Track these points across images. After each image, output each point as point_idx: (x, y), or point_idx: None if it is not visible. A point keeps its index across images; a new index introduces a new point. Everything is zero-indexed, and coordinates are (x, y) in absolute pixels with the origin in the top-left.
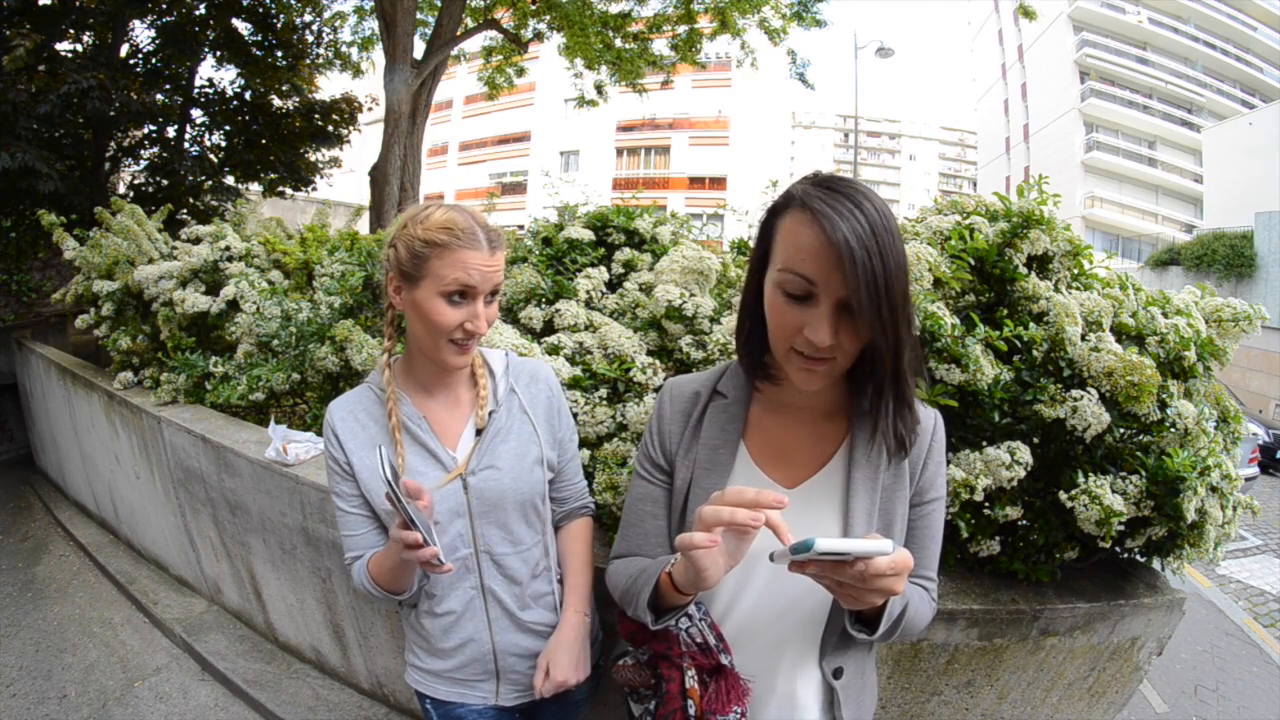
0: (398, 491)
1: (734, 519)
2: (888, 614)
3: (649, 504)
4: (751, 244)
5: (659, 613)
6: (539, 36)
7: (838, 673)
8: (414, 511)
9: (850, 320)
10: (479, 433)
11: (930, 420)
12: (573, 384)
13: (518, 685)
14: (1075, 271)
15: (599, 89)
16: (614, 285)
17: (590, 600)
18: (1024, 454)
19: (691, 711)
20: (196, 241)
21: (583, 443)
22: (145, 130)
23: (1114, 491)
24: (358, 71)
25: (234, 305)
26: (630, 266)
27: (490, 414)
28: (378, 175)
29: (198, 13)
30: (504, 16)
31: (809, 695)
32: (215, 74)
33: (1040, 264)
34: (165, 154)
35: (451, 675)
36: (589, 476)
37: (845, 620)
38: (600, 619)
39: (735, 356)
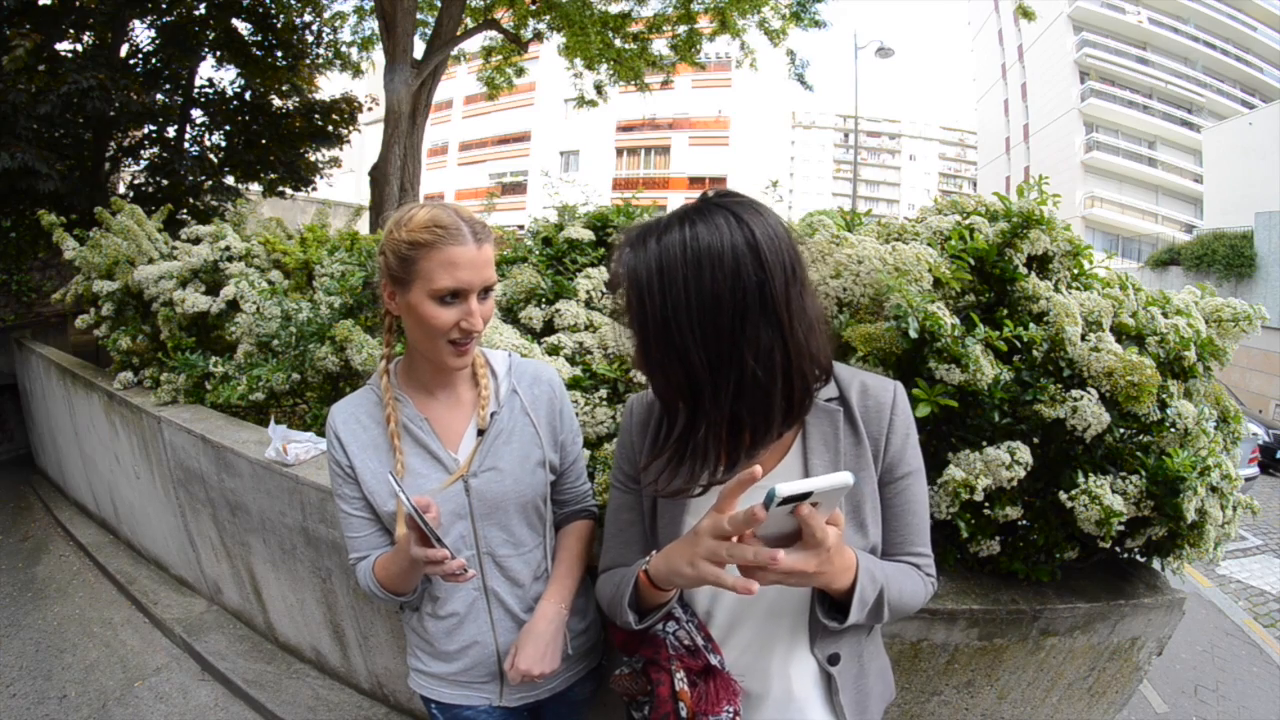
0: (421, 515)
1: (744, 559)
2: (859, 598)
3: (627, 512)
4: None
5: (642, 613)
6: (539, 36)
7: (833, 659)
8: (437, 530)
9: None
10: (480, 434)
11: (888, 394)
12: (573, 384)
13: (521, 685)
14: (1075, 271)
15: (599, 89)
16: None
17: (571, 594)
18: (1024, 454)
19: (683, 714)
20: (196, 241)
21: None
22: (145, 130)
23: (1114, 491)
24: (358, 71)
25: (234, 305)
26: None
27: (492, 415)
28: (378, 175)
29: (198, 13)
30: (504, 16)
31: (805, 686)
32: (215, 74)
33: (1040, 264)
34: (165, 154)
35: (455, 678)
36: (589, 476)
37: (817, 609)
38: (602, 621)
39: None
